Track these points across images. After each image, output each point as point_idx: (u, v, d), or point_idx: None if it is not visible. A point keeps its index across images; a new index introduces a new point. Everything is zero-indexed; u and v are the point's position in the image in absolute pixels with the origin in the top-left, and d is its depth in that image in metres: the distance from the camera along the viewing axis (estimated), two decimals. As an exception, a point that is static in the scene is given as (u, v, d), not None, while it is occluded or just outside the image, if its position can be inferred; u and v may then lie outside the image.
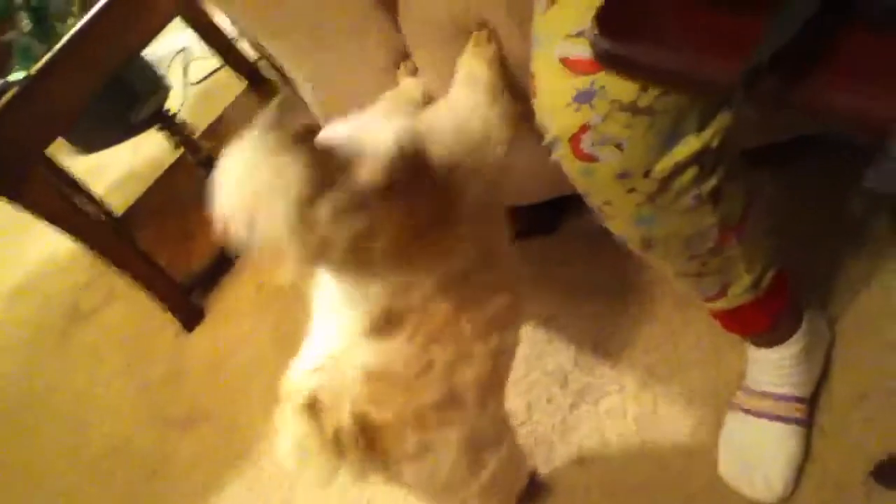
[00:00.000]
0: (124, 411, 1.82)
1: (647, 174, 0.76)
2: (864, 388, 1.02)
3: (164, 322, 1.92)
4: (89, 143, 2.24)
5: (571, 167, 0.78)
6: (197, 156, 1.97)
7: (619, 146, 0.74)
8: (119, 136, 2.21)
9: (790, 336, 0.99)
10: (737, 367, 1.10)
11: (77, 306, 2.23)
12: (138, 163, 2.60)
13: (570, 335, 1.30)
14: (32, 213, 1.55)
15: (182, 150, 2.03)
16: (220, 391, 1.68)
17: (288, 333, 1.68)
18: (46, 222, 1.58)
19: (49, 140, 1.62)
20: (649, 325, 1.24)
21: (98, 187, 2.36)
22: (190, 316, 1.83)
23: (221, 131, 2.23)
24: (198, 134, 2.09)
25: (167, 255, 1.89)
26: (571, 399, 1.22)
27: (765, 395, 1.02)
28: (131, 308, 2.06)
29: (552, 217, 1.44)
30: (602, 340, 1.26)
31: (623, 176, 0.76)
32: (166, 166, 2.34)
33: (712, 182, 0.78)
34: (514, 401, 1.27)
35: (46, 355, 2.15)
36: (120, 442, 1.75)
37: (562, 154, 0.77)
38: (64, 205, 1.63)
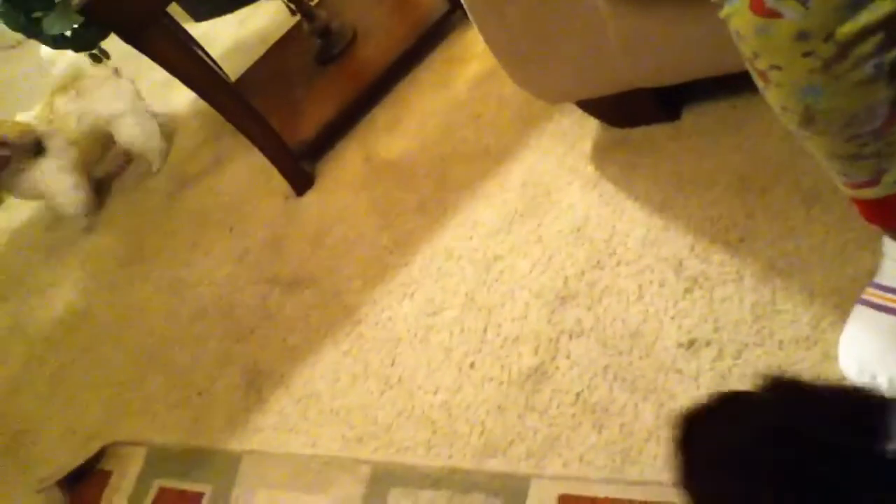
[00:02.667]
0: (226, 272, 1.89)
1: (828, 37, 0.72)
2: None
3: (269, 188, 1.97)
4: (201, 9, 2.27)
5: (746, 24, 0.75)
6: (312, 24, 1.97)
7: (803, 3, 0.70)
8: (232, 4, 2.23)
9: (938, 231, 0.95)
10: (865, 266, 1.07)
11: (184, 171, 2.30)
12: (246, 35, 2.62)
13: (687, 223, 1.28)
14: (159, 62, 1.58)
15: (298, 18, 2.02)
16: (322, 257, 1.73)
17: (388, 210, 1.71)
18: (172, 72, 1.61)
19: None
20: (771, 220, 1.21)
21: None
22: (300, 182, 1.87)
23: (338, 2, 2.22)
24: (315, 1, 2.08)
25: (277, 123, 1.92)
26: (685, 284, 1.21)
27: (897, 291, 0.99)
28: (238, 173, 2.12)
29: (677, 104, 1.40)
30: (720, 231, 1.24)
31: (802, 37, 0.73)
32: (274, 39, 2.35)
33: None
34: (623, 282, 1.27)
35: (152, 216, 2.24)
36: (220, 301, 1.83)
37: (737, 9, 0.74)
38: (189, 57, 1.66)
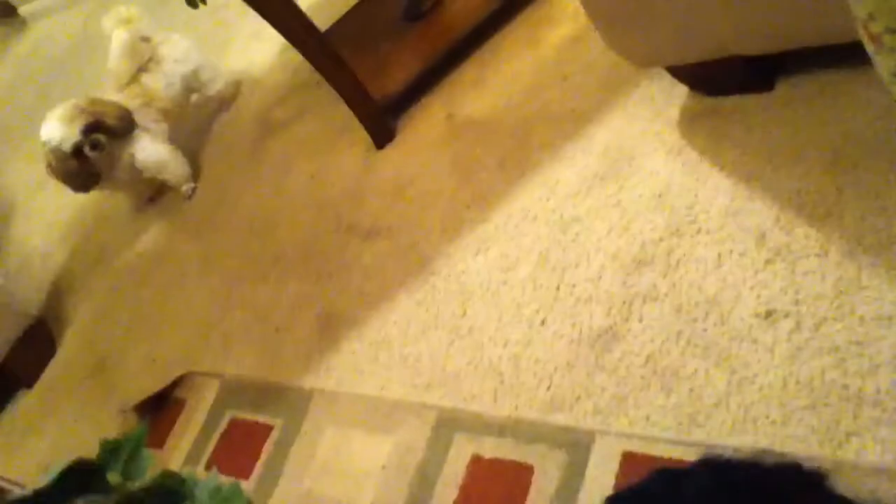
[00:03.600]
0: (307, 219, 1.94)
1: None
2: None
3: (351, 139, 2.01)
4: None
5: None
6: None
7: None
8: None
9: None
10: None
11: (269, 118, 2.36)
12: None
13: (773, 195, 1.26)
14: (257, 9, 1.62)
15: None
16: (400, 210, 1.76)
17: (468, 167, 1.72)
18: (266, 18, 1.66)
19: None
20: (861, 197, 1.18)
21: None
22: (382, 134, 1.90)
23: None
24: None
25: (363, 77, 1.95)
26: (767, 256, 1.20)
27: None
28: (321, 124, 2.16)
29: (771, 74, 1.37)
30: (807, 204, 1.22)
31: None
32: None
33: None
34: (702, 250, 1.27)
35: (240, 162, 2.31)
36: (300, 246, 1.88)
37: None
38: (285, 4, 1.69)
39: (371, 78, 1.99)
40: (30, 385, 2.17)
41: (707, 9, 1.19)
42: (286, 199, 2.04)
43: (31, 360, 2.20)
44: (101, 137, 2.10)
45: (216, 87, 2.46)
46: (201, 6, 1.87)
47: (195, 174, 2.37)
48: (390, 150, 1.92)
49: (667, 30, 1.27)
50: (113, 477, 0.89)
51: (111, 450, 0.91)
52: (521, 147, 1.65)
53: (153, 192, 2.44)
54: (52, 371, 2.18)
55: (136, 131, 2.21)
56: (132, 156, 2.21)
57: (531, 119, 1.71)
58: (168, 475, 0.94)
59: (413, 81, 1.95)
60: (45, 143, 2.08)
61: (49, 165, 2.15)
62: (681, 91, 1.48)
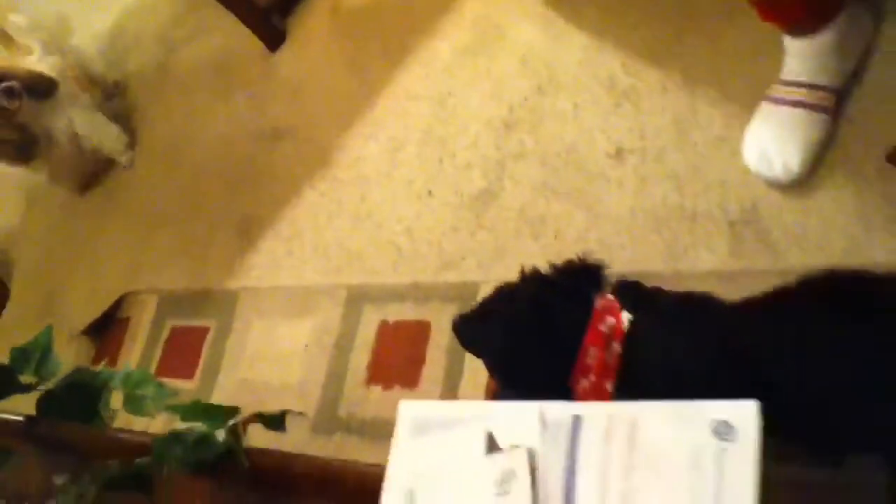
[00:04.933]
0: (217, 134, 2.00)
1: None
2: (893, 83, 1.05)
3: (248, 48, 2.04)
4: None
5: None
6: None
7: None
8: None
9: (826, 25, 1.01)
10: (775, 68, 1.13)
11: (171, 37, 2.37)
12: None
13: (622, 44, 1.33)
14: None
15: None
16: (299, 110, 1.83)
17: (354, 57, 1.77)
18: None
19: None
20: (696, 33, 1.26)
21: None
22: (272, 38, 1.94)
23: None
24: None
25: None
26: (615, 100, 1.29)
27: (798, 84, 1.06)
28: (219, 37, 2.18)
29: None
30: (650, 49, 1.30)
31: None
32: None
33: None
34: (561, 104, 1.35)
35: (149, 89, 2.33)
36: (214, 159, 1.95)
37: None
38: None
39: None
40: (-11, 330, 2.26)
41: None
42: (197, 120, 2.09)
43: (-14, 307, 2.29)
44: (14, 84, 1.95)
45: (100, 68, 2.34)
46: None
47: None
48: (284, 52, 1.96)
49: None
50: (26, 378, 1.00)
51: (21, 355, 1.02)
52: (401, 29, 1.70)
53: (91, 173, 2.30)
54: (10, 312, 2.28)
55: (64, 98, 2.08)
56: (70, 123, 2.08)
57: (408, 1, 1.75)
58: (81, 371, 1.06)
59: (294, -21, 1.97)
60: None
61: None
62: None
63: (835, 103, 1.06)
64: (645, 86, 1.27)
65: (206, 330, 1.67)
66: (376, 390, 1.34)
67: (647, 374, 0.80)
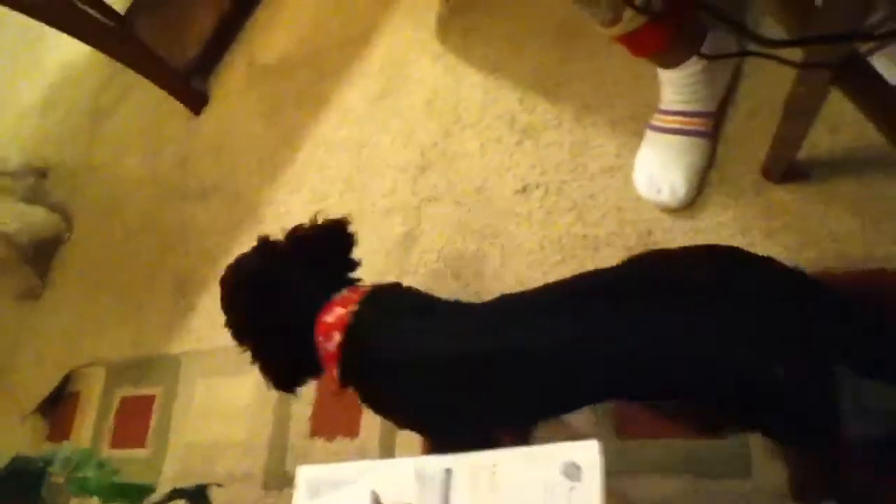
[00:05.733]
0: (148, 191, 2.02)
1: None
2: (761, 100, 1.11)
3: (175, 109, 2.06)
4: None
5: None
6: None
7: None
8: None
9: (691, 55, 1.07)
10: (656, 95, 1.19)
11: (98, 104, 2.39)
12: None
13: (516, 79, 1.39)
14: (31, 16, 1.66)
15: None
16: (223, 166, 1.86)
17: (272, 110, 1.81)
18: (54, 27, 1.69)
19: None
20: (581, 62, 1.32)
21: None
22: (194, 100, 1.97)
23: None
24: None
25: (166, 45, 1.99)
26: (517, 137, 1.34)
27: (674, 112, 1.12)
28: (145, 99, 2.21)
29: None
30: (541, 80, 1.36)
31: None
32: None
33: None
34: (468, 144, 1.40)
35: (81, 154, 2.35)
36: (145, 220, 1.97)
37: None
38: (66, 9, 1.73)
39: (174, 46, 2.03)
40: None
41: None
42: (126, 181, 2.11)
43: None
44: None
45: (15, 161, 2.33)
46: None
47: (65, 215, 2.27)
48: (207, 112, 1.99)
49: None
50: (-34, 469, 1.02)
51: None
52: (315, 80, 1.75)
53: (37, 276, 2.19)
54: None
55: None
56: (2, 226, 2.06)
57: (320, 51, 1.79)
58: (20, 459, 1.08)
59: (211, 39, 2.00)
60: None
61: None
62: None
63: (712, 126, 1.12)
64: (541, 121, 1.33)
65: (152, 397, 1.69)
66: (320, 442, 1.37)
67: (362, 363, 0.89)
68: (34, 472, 1.12)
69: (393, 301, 0.93)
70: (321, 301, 0.92)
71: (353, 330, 0.88)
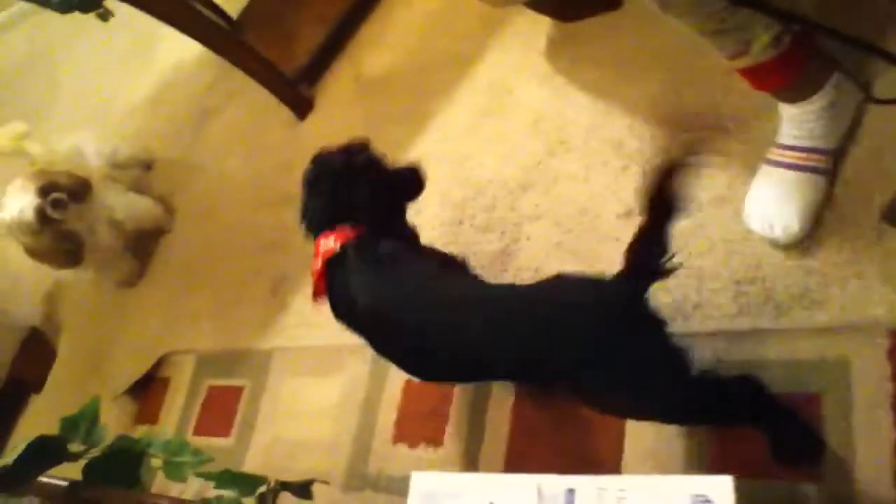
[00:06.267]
0: (248, 196, 2.09)
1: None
2: (884, 140, 1.09)
3: (280, 113, 2.14)
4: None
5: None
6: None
7: None
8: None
9: (815, 92, 1.06)
10: (774, 130, 1.18)
11: (205, 104, 2.49)
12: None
13: (625, 105, 1.40)
14: (154, 16, 1.75)
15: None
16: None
17: (377, 123, 1.86)
18: (168, 24, 1.78)
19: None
20: (697, 94, 1.32)
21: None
22: (300, 106, 2.04)
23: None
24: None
25: (276, 52, 2.07)
26: (623, 162, 1.35)
27: (792, 147, 1.11)
28: (250, 103, 2.29)
29: (618, -8, 1.49)
30: (652, 109, 1.36)
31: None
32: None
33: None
34: (573, 166, 1.41)
35: (185, 151, 2.45)
36: (245, 220, 2.04)
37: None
38: (183, 7, 1.82)
39: (283, 53, 2.11)
40: (38, 390, 2.36)
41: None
42: (228, 180, 2.19)
43: (35, 368, 2.39)
44: (61, 195, 1.96)
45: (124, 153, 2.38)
46: (110, 19, 1.98)
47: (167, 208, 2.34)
48: (311, 118, 2.06)
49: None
50: (74, 447, 1.07)
51: (70, 424, 1.09)
52: (419, 95, 1.78)
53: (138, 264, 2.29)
54: (56, 374, 2.38)
55: (99, 192, 2.10)
56: (109, 211, 2.11)
57: (426, 67, 1.83)
58: (123, 438, 1.12)
59: (320, 49, 2.07)
60: (8, 226, 1.96)
61: (27, 250, 2.03)
62: (545, 21, 1.60)
63: (831, 164, 1.10)
64: (650, 148, 1.33)
65: (241, 389, 1.74)
66: (403, 448, 1.39)
67: (329, 292, 1.14)
68: (135, 453, 1.16)
69: (370, 252, 1.10)
70: (331, 224, 1.14)
71: (331, 263, 1.11)
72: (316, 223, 1.19)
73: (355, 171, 1.17)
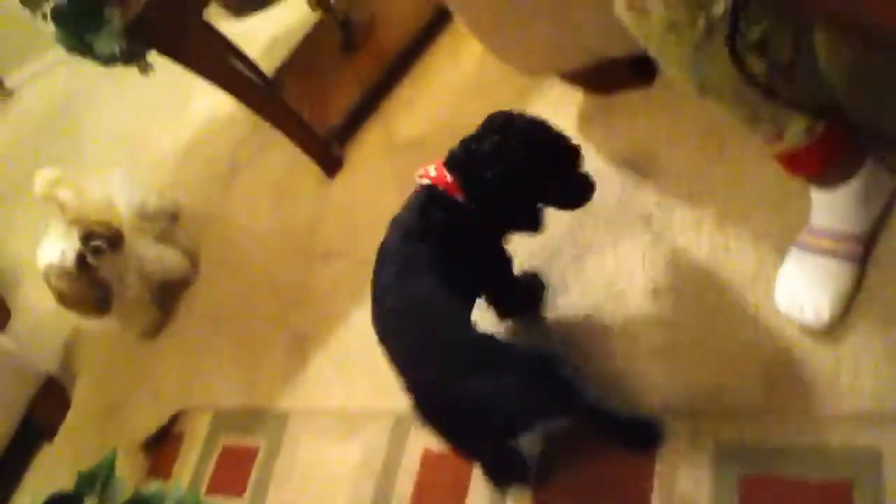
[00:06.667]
0: (274, 250, 2.11)
1: (693, 23, 0.85)
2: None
3: (309, 170, 2.16)
4: (241, 5, 2.47)
5: (626, 17, 0.88)
6: (332, 16, 2.14)
7: (664, -1, 0.83)
8: None
9: (848, 179, 1.06)
10: (804, 212, 1.17)
11: (235, 158, 2.53)
12: (280, 30, 2.81)
13: (655, 180, 1.40)
14: (194, 72, 1.79)
15: (320, 12, 2.21)
16: (352, 232, 1.92)
17: (408, 185, 1.87)
18: (207, 80, 1.82)
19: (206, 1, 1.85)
20: (728, 171, 1.32)
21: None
22: (330, 165, 2.07)
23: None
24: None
25: (309, 110, 2.11)
26: (652, 237, 1.34)
27: (823, 232, 1.10)
28: (280, 159, 2.32)
29: (649, 68, 1.51)
30: (683, 184, 1.36)
31: (672, 26, 0.85)
32: (304, 33, 2.53)
33: (756, 32, 0.86)
34: (601, 237, 1.41)
35: (213, 204, 2.48)
36: (269, 274, 2.05)
37: (618, 4, 0.87)
38: (222, 65, 1.86)
39: (317, 111, 2.15)
40: (51, 438, 2.35)
41: (570, 24, 1.33)
42: (255, 235, 2.21)
43: (49, 414, 2.38)
44: (100, 242, 2.01)
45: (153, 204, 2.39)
46: (150, 73, 2.03)
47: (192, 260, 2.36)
48: (341, 177, 2.08)
49: (538, 43, 1.42)
50: (90, 501, 1.06)
51: (87, 479, 1.08)
52: (449, 161, 1.80)
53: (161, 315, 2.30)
54: (70, 421, 2.37)
55: (129, 242, 2.14)
56: (139, 261, 2.14)
57: (458, 132, 1.84)
58: (139, 494, 1.11)
59: (353, 110, 2.11)
60: (47, 270, 2.00)
61: (59, 296, 2.05)
62: (577, 93, 1.62)
63: (862, 250, 1.09)
64: (680, 224, 1.32)
65: (256, 450, 1.72)
66: (420, 519, 1.36)
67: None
68: (151, 508, 1.15)
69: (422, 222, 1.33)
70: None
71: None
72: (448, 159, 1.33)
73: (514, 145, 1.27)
